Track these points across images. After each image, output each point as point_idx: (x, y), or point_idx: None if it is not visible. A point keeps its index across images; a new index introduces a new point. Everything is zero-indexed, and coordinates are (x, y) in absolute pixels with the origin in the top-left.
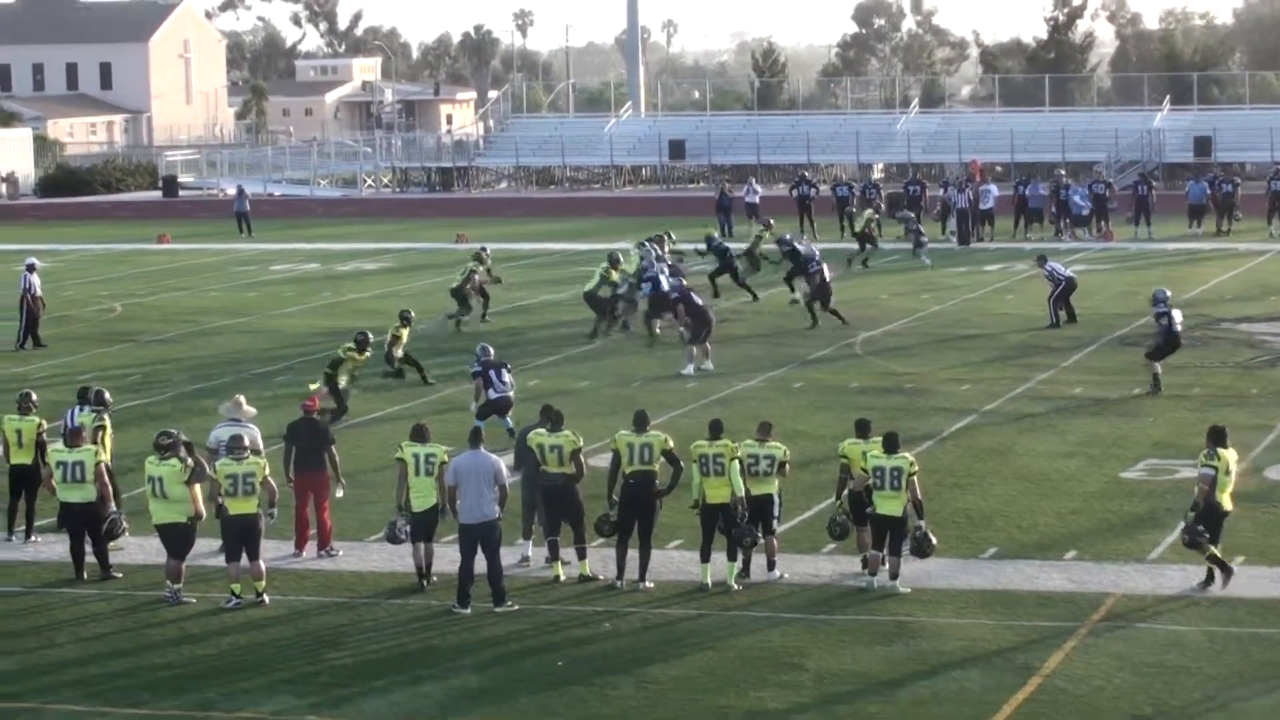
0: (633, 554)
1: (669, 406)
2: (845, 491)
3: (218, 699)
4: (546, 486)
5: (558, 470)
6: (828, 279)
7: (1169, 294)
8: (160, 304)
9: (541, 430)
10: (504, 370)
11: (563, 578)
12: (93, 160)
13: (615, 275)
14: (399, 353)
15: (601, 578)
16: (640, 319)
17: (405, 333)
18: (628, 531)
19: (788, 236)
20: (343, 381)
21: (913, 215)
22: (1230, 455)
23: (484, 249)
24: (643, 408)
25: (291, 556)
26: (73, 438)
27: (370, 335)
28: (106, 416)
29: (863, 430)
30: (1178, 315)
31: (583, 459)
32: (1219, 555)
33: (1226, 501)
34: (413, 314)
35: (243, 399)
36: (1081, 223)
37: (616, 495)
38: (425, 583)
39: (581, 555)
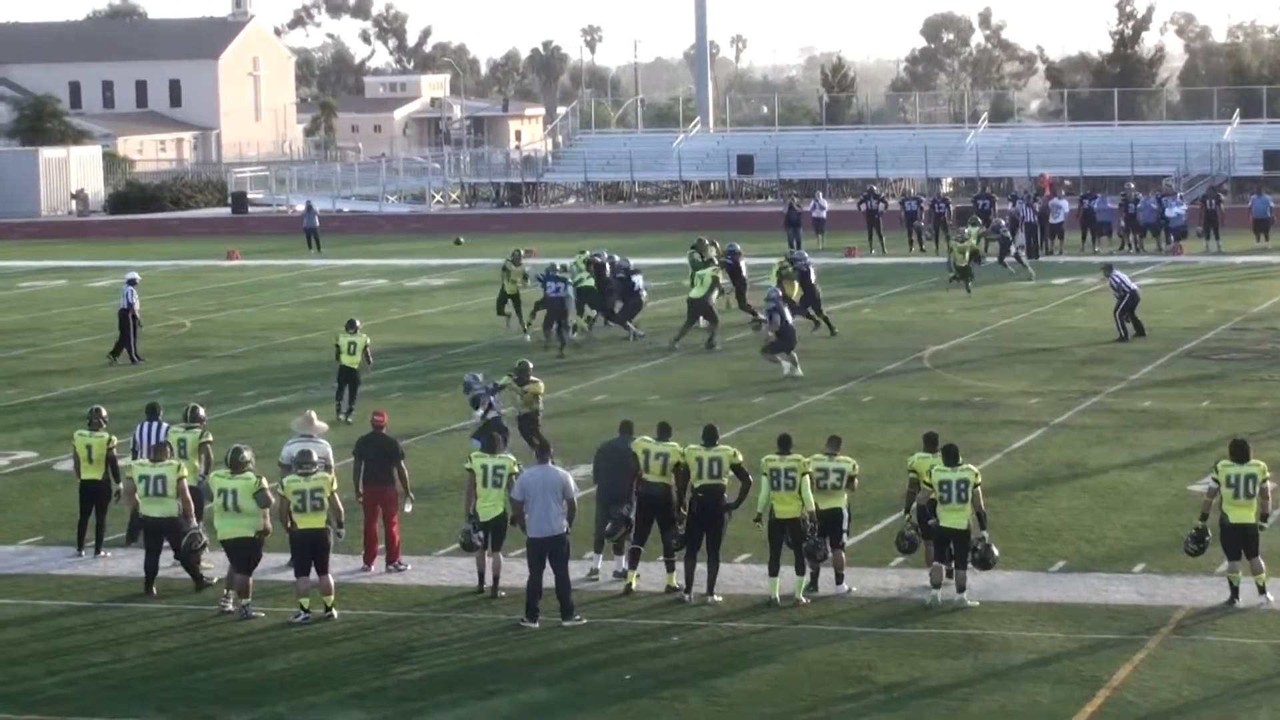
0: (701, 567)
1: (736, 421)
2: (914, 505)
3: (287, 713)
4: (645, 494)
5: (659, 479)
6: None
7: None
8: (229, 320)
9: (647, 438)
10: (495, 391)
11: (635, 587)
12: (162, 177)
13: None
14: None
15: (683, 589)
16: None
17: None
18: (696, 545)
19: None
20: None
21: (1003, 223)
22: (1239, 469)
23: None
24: (712, 422)
25: (360, 571)
26: (157, 452)
27: (530, 365)
28: (208, 433)
29: (931, 444)
30: None
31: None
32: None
33: (1235, 515)
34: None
35: (314, 414)
36: (1181, 234)
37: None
38: (494, 592)
39: (670, 567)
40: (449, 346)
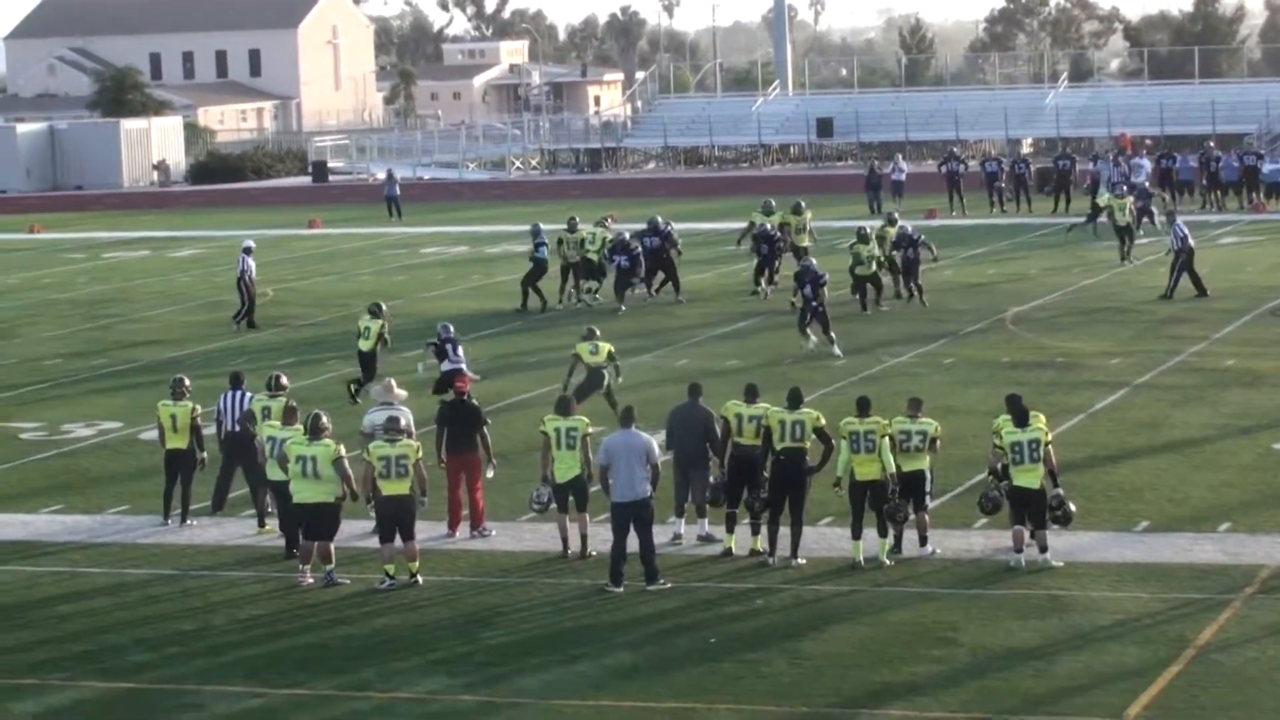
0: (784, 530)
1: (818, 384)
2: (999, 466)
3: (373, 679)
4: (739, 457)
5: (751, 442)
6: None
7: None
8: (312, 288)
9: (739, 401)
10: (458, 346)
11: (735, 551)
12: (243, 147)
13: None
14: None
15: (767, 551)
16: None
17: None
18: (779, 509)
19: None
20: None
21: (1146, 187)
22: None
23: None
24: (796, 385)
25: (445, 537)
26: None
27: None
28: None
29: (1013, 406)
30: None
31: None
32: None
33: None
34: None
35: (394, 382)
36: (1274, 193)
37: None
38: (582, 553)
39: (755, 530)
40: (530, 313)
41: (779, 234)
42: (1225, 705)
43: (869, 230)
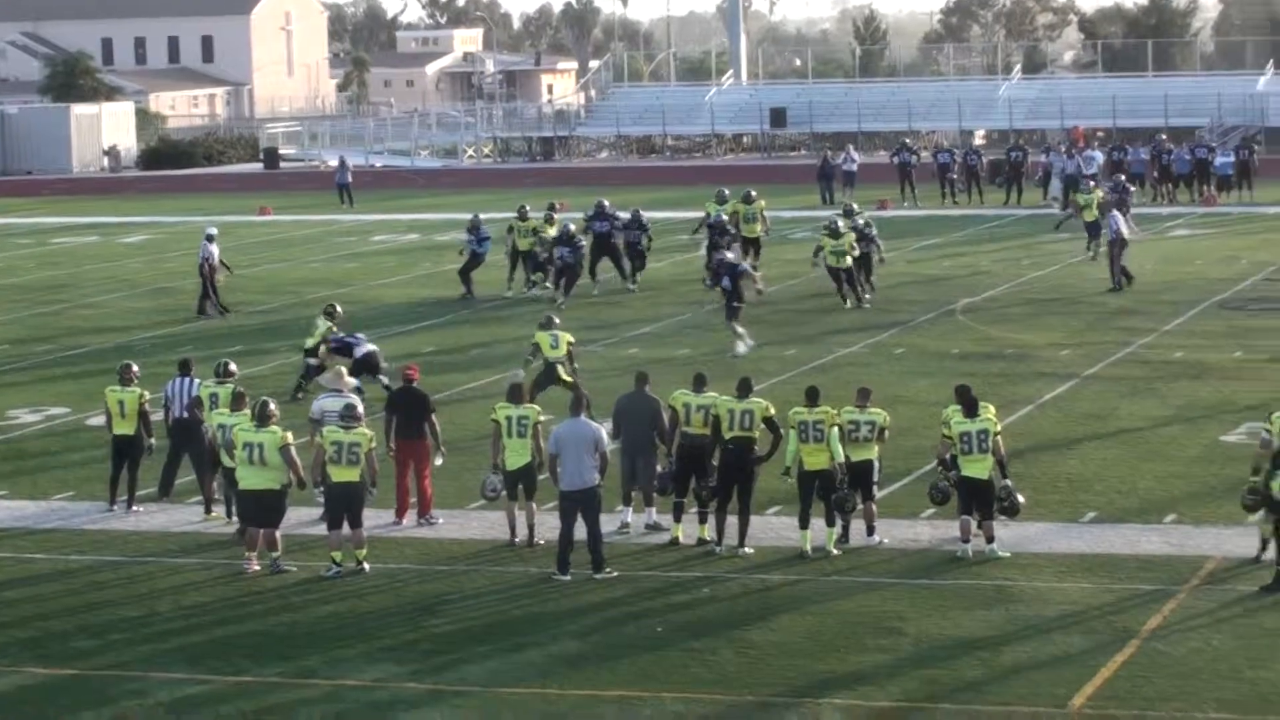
0: (731, 519)
1: (768, 374)
2: (947, 456)
3: (319, 666)
4: (686, 446)
5: (700, 431)
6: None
7: None
8: (262, 275)
9: (687, 391)
10: (359, 336)
11: (681, 540)
12: (194, 133)
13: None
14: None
15: (714, 541)
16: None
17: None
18: (727, 497)
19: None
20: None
21: (1123, 179)
22: None
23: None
24: (745, 375)
25: (392, 525)
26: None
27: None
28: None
29: (963, 397)
30: None
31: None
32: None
33: None
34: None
35: (344, 369)
36: (1225, 184)
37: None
38: (529, 542)
39: (703, 519)
40: (480, 301)
41: (732, 226)
42: (1169, 695)
43: (839, 224)
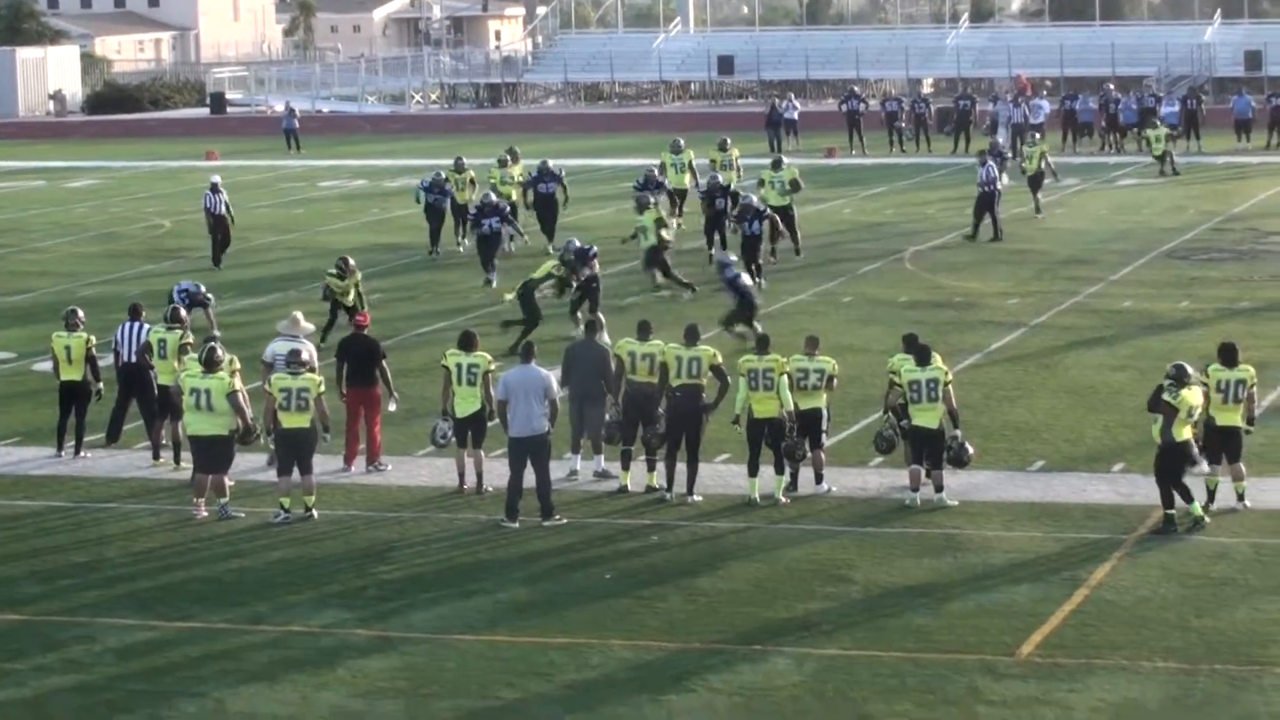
0: (681, 467)
1: (716, 321)
2: (897, 404)
3: (267, 613)
4: (631, 394)
5: (646, 380)
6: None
7: None
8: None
9: (632, 339)
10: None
11: (630, 488)
12: (140, 78)
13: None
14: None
15: (665, 488)
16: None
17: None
18: (676, 445)
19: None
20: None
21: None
22: (1229, 373)
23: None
24: (693, 323)
25: (340, 471)
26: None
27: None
28: (189, 334)
29: (911, 345)
30: None
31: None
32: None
33: (1223, 419)
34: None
35: (300, 315)
36: (1173, 134)
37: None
38: (478, 489)
39: (651, 467)
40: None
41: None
42: (1116, 644)
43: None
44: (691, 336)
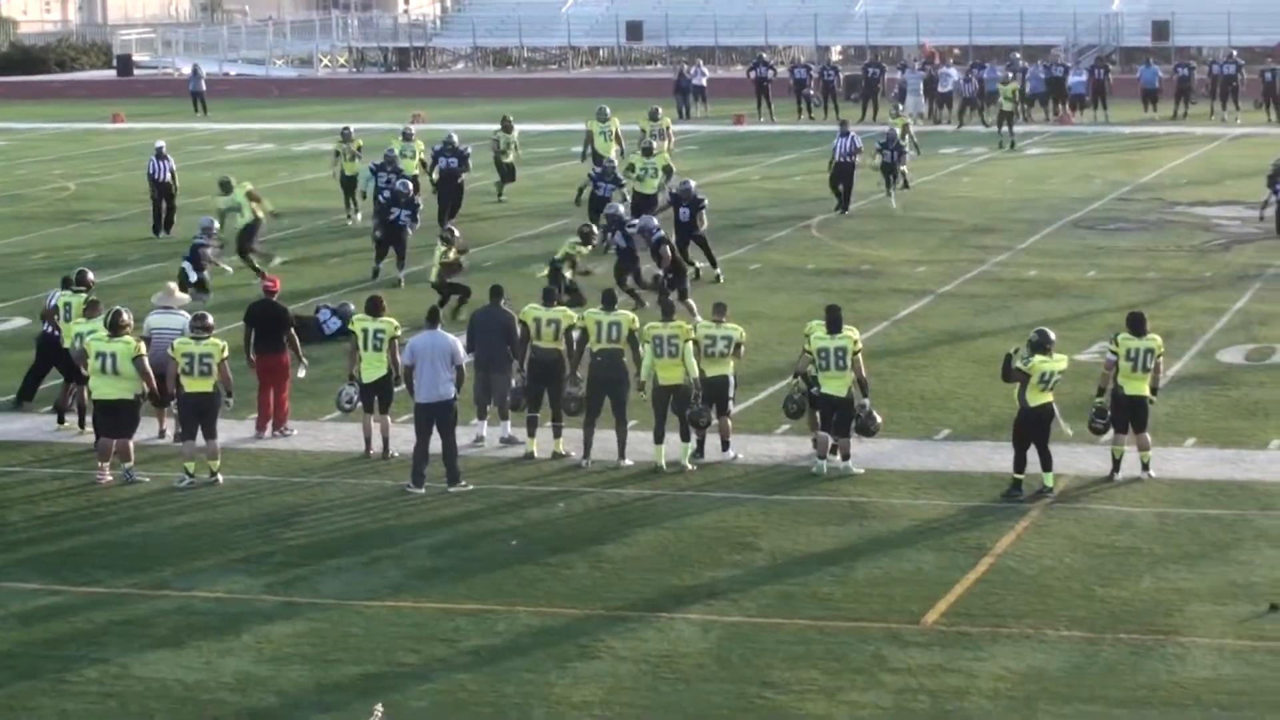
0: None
1: (625, 287)
2: (806, 370)
3: (171, 578)
4: (536, 360)
5: (550, 346)
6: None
7: None
8: (114, 183)
9: (537, 305)
10: None
11: (536, 454)
12: (46, 39)
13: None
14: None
15: (572, 455)
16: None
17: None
18: (596, 411)
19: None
20: (568, 275)
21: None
22: (1138, 342)
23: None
24: (610, 288)
25: (252, 438)
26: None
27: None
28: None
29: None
30: None
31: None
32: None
33: (1131, 388)
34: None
35: (175, 286)
36: (1079, 103)
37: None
38: (384, 455)
39: (557, 433)
40: (337, 211)
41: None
42: (1022, 612)
43: (653, 144)
44: (609, 301)
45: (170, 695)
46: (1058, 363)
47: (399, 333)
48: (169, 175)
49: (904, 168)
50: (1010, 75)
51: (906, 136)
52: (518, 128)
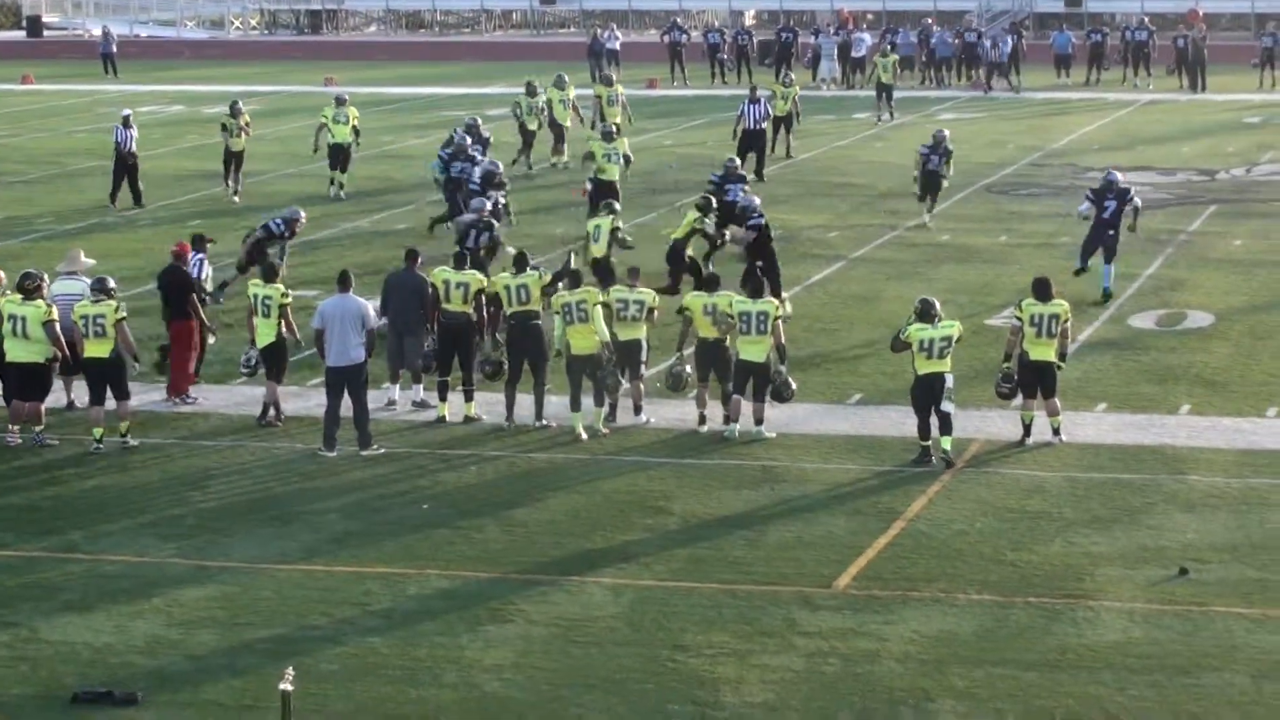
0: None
1: (537, 251)
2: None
3: (81, 541)
4: (446, 324)
5: (460, 309)
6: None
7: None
8: (23, 145)
9: (447, 268)
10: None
11: (447, 418)
12: None
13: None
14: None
15: (484, 418)
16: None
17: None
18: (516, 374)
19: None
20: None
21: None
22: (1042, 308)
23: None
24: (522, 250)
25: (162, 402)
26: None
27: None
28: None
29: (711, 285)
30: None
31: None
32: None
33: (1037, 353)
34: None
35: (80, 252)
36: (1003, 70)
37: (501, 336)
38: (271, 417)
39: (469, 397)
40: (248, 174)
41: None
42: (933, 577)
43: (612, 129)
44: (520, 264)
45: (79, 658)
46: (941, 330)
47: (286, 300)
48: (133, 144)
49: (791, 136)
50: (889, 47)
51: (794, 104)
52: (428, 90)
